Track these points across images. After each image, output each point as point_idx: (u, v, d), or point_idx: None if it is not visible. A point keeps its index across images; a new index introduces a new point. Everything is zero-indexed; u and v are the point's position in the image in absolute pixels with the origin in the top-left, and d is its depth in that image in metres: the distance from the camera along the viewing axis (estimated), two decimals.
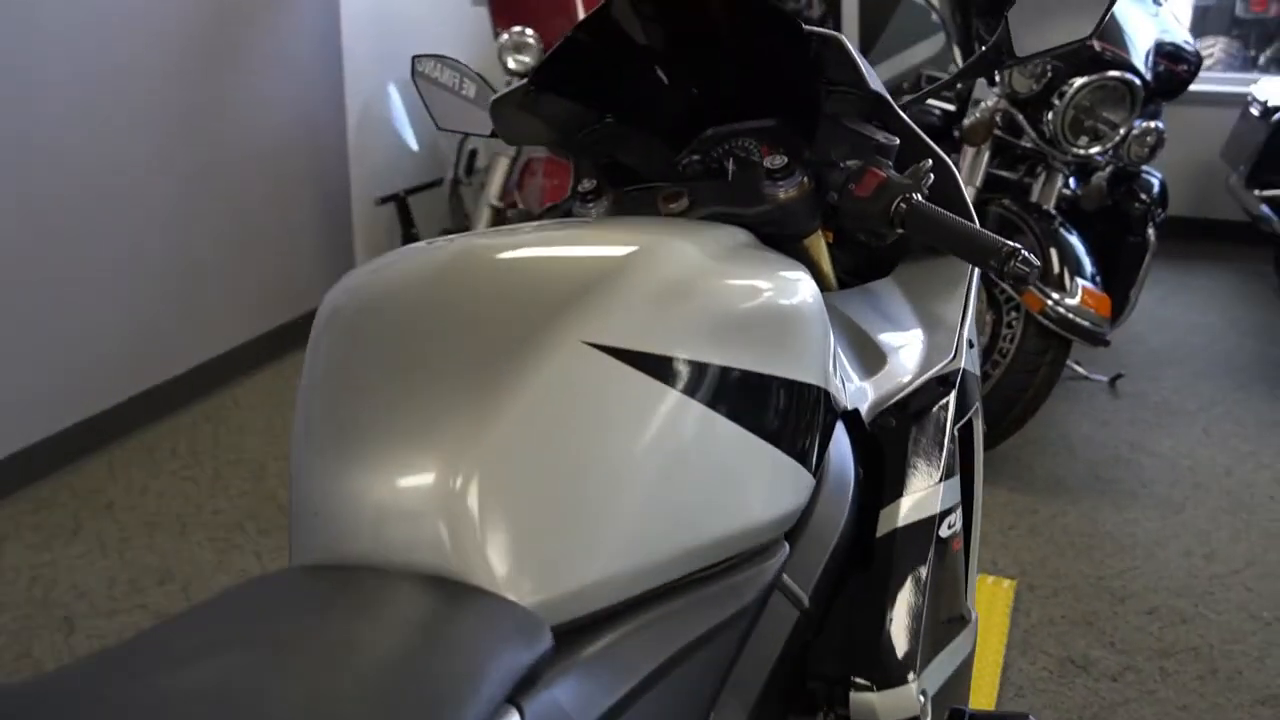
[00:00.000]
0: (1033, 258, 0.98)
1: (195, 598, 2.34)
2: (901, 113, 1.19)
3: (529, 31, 3.24)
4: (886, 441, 1.05)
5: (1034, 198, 3.03)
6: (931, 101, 3.57)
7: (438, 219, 4.09)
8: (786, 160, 1.12)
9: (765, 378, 0.83)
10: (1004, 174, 3.10)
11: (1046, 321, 2.70)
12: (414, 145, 4.09)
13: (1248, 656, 2.18)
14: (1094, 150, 2.93)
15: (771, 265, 0.92)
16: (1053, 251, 2.83)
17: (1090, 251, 2.92)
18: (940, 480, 1.03)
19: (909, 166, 1.20)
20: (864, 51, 5.38)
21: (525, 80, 1.19)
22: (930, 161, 1.13)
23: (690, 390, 0.77)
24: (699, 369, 0.78)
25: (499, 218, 3.29)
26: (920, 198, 1.07)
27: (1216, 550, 2.57)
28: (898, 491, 1.02)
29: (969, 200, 1.22)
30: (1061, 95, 2.88)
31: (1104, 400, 3.43)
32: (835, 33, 1.13)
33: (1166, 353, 3.84)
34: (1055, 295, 2.72)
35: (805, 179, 1.12)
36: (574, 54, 1.15)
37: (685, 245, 0.85)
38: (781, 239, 1.18)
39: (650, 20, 1.14)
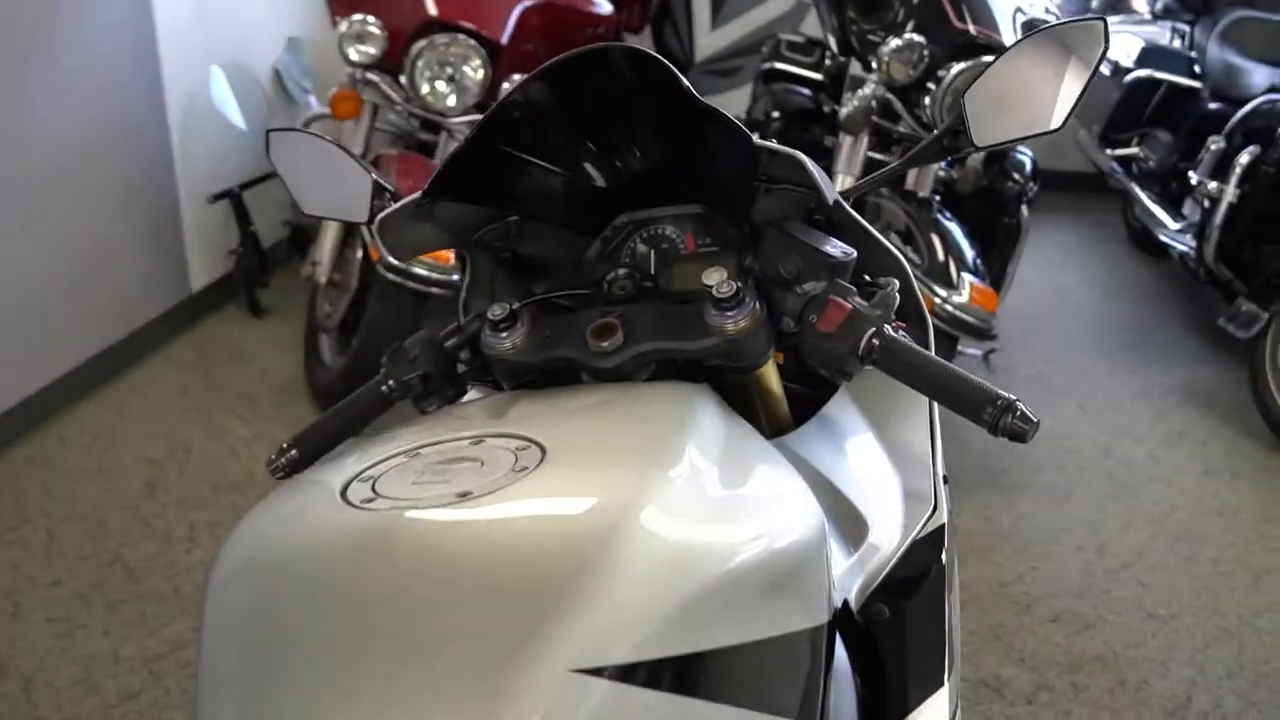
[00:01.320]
0: (1030, 413, 0.86)
1: (40, 700, 2.07)
2: (859, 218, 1.06)
3: (371, 20, 2.96)
4: (882, 637, 0.93)
5: (910, 184, 2.96)
6: (801, 74, 3.45)
7: (278, 213, 3.78)
8: (736, 288, 0.97)
9: (773, 641, 0.70)
10: (878, 156, 3.02)
11: (937, 321, 2.64)
12: (244, 128, 3.74)
13: (1151, 662, 2.19)
14: None
15: (763, 475, 0.78)
16: (936, 243, 2.77)
17: (969, 236, 2.88)
18: (947, 677, 0.92)
19: (863, 277, 1.06)
20: (714, 11, 5.26)
21: (417, 195, 1.05)
22: (896, 283, 1.00)
23: (690, 687, 0.63)
24: (697, 661, 0.64)
25: (347, 223, 3.01)
26: (892, 331, 0.94)
27: (1107, 543, 2.59)
28: (903, 705, 0.90)
29: (927, 317, 1.10)
30: (939, 81, 2.80)
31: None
32: (794, 154, 0.98)
33: (1033, 319, 3.88)
34: (943, 293, 2.67)
35: (756, 305, 0.98)
36: (470, 157, 1.01)
37: (668, 494, 0.69)
38: (730, 371, 1.04)
39: (564, 106, 1.02)
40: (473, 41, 3.04)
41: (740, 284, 0.97)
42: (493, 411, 0.91)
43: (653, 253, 1.14)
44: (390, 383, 1.04)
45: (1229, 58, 3.79)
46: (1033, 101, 1.03)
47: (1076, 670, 2.17)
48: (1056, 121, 1.03)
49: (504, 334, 1.03)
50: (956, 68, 2.77)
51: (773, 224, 1.05)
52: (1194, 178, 3.48)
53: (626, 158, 1.12)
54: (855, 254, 1.01)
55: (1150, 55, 4.08)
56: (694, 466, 0.74)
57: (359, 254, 3.04)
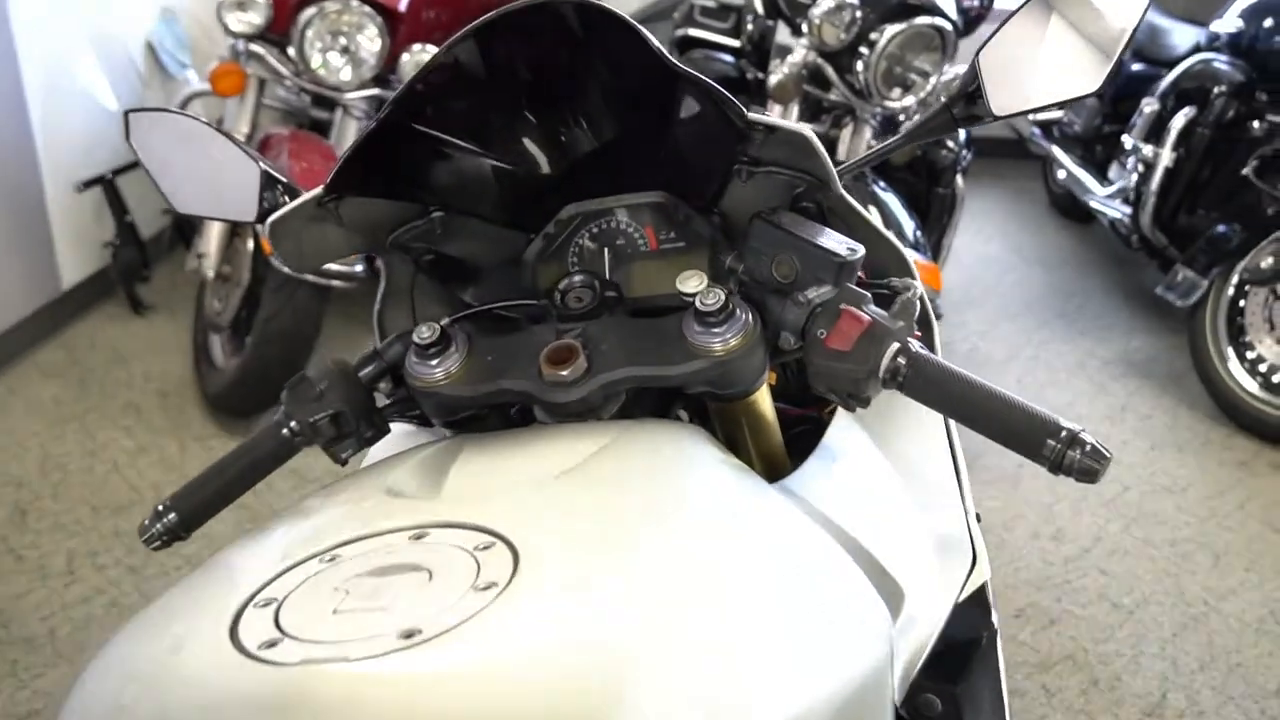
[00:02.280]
0: (1102, 445, 0.69)
1: None
2: (858, 205, 0.88)
3: None
4: None
5: (842, 154, 2.79)
6: (722, 43, 3.25)
7: (158, 200, 3.44)
8: (723, 298, 0.79)
9: None
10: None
11: None
12: (115, 108, 3.41)
13: (1122, 658, 2.08)
14: (907, 101, 2.71)
15: (809, 570, 0.59)
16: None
17: (906, 208, 2.73)
18: None
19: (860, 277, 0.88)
20: None
21: (318, 191, 0.86)
22: (917, 286, 0.82)
23: None
24: None
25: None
26: (919, 347, 0.76)
27: (1063, 529, 2.48)
28: None
29: (934, 322, 0.93)
30: (872, 45, 2.63)
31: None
32: (801, 129, 0.80)
33: (965, 291, 3.78)
34: None
35: (749, 318, 0.80)
36: (381, 141, 0.82)
37: (696, 624, 0.49)
38: (716, 399, 0.85)
39: (497, 74, 0.84)
40: (367, 8, 2.77)
41: (727, 291, 0.79)
42: (432, 473, 0.71)
43: (606, 250, 0.96)
44: (293, 424, 0.86)
45: (1152, 19, 3.70)
46: (1059, 61, 0.86)
47: (1047, 671, 2.04)
48: (1095, 83, 0.86)
49: (434, 360, 0.85)
50: (891, 29, 2.60)
51: (760, 216, 0.86)
52: (1128, 142, 3.39)
53: (573, 136, 0.92)
54: (862, 251, 0.83)
55: None
56: (719, 568, 0.54)
57: (249, 245, 2.76)
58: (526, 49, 0.82)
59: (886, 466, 0.90)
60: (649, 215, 0.93)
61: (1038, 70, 0.88)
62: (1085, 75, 0.86)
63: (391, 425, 0.93)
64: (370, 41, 2.79)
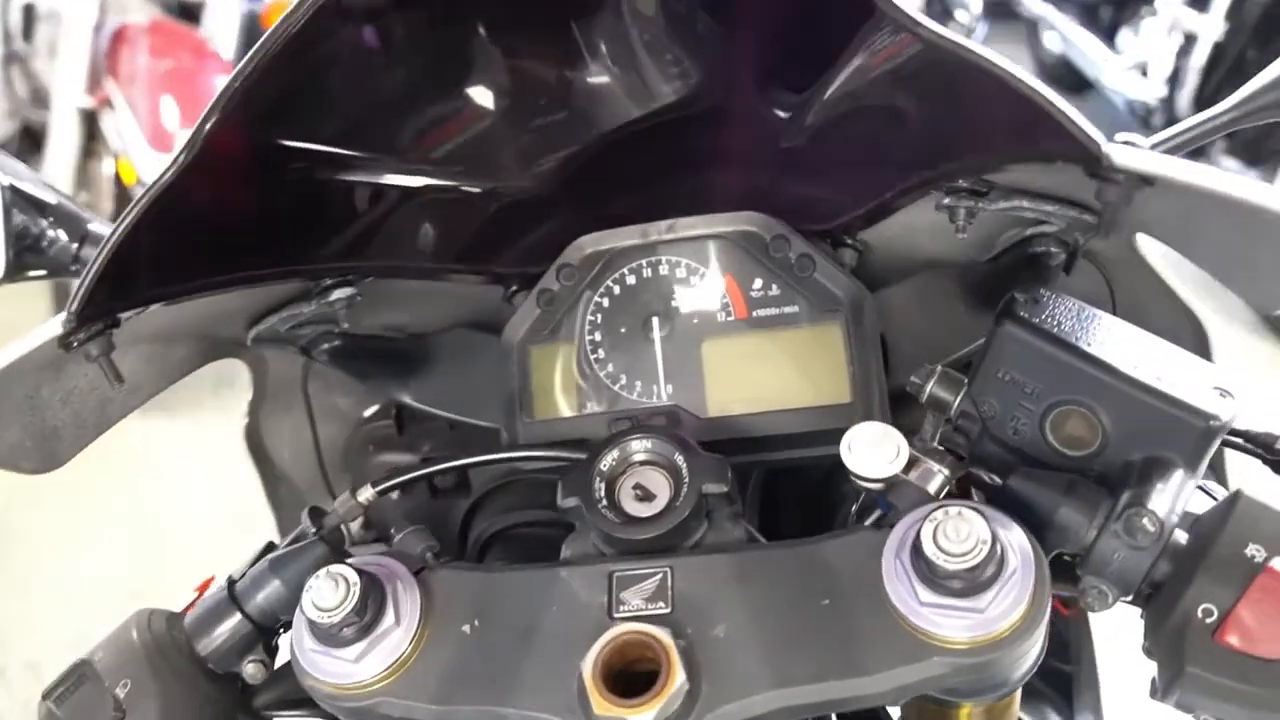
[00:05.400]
0: None
1: None
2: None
3: None
4: None
5: None
6: None
7: None
8: (981, 529, 0.46)
9: None
10: None
11: None
12: None
13: None
14: None
15: None
16: None
17: None
18: None
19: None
20: None
21: (59, 321, 0.52)
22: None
23: None
24: None
25: (90, 124, 2.20)
26: None
27: None
28: None
29: None
30: None
31: None
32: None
33: None
34: None
35: (1028, 551, 0.47)
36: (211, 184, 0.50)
37: None
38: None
39: None
40: None
41: (981, 507, 0.46)
42: None
43: (655, 325, 0.63)
44: None
45: None
46: None
47: None
48: None
49: (352, 638, 0.49)
50: None
51: (1016, 304, 0.54)
52: (1163, 6, 2.93)
53: (594, 98, 0.59)
54: (1237, 399, 0.50)
55: None
56: None
57: (108, 168, 2.23)
58: None
59: None
60: (732, 255, 0.63)
61: None
62: None
63: None
64: None
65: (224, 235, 0.52)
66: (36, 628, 1.95)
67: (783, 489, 0.73)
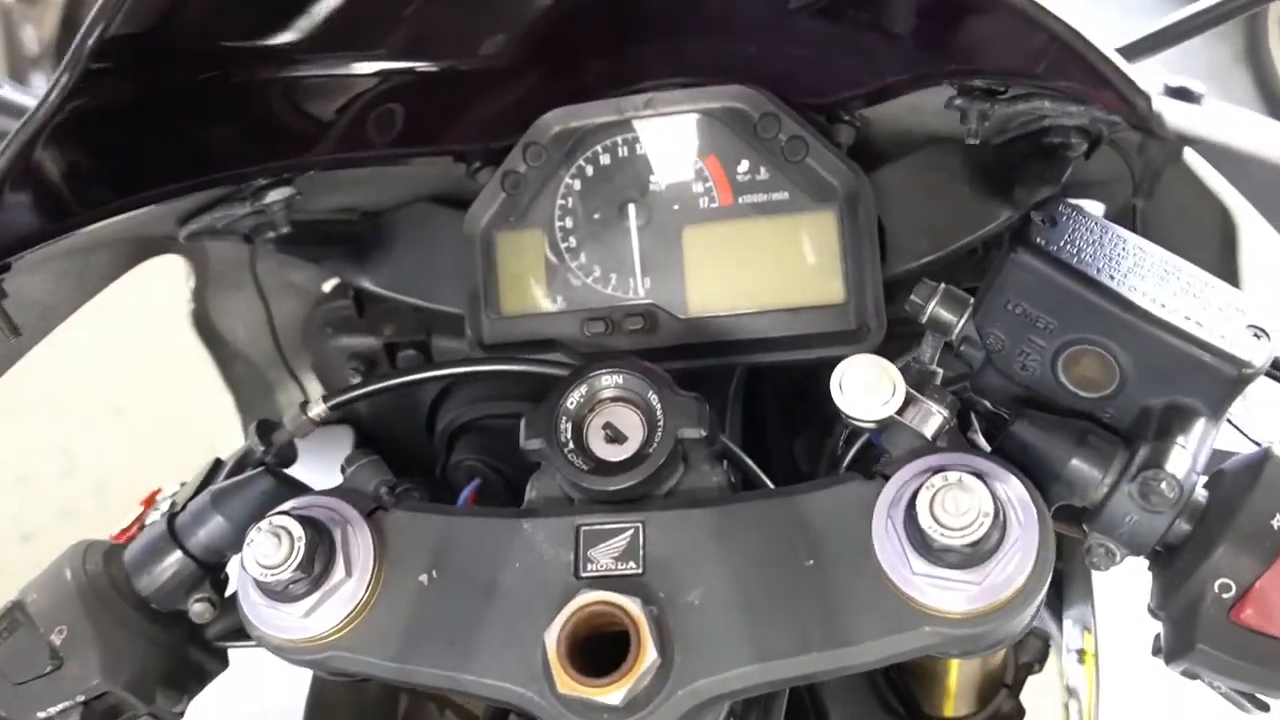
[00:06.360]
0: None
1: None
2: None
3: None
4: None
5: None
6: None
7: None
8: (983, 497, 0.42)
9: None
10: None
11: None
12: None
13: None
14: None
15: None
16: None
17: None
18: None
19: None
20: None
21: None
22: None
23: None
24: None
25: None
26: None
27: None
28: None
29: None
30: None
31: None
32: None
33: None
34: None
35: (1035, 509, 0.44)
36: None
37: None
38: None
39: None
40: None
41: (982, 464, 0.44)
42: None
43: (631, 212, 0.58)
44: None
45: None
46: None
47: None
48: None
49: (303, 588, 0.47)
50: None
51: (1029, 228, 0.48)
52: None
53: None
54: (1268, 337, 0.46)
55: None
56: None
57: None
58: None
59: None
60: (716, 134, 0.55)
61: None
62: None
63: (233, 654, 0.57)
64: None
65: (132, 152, 0.46)
66: None
67: (765, 383, 0.70)
